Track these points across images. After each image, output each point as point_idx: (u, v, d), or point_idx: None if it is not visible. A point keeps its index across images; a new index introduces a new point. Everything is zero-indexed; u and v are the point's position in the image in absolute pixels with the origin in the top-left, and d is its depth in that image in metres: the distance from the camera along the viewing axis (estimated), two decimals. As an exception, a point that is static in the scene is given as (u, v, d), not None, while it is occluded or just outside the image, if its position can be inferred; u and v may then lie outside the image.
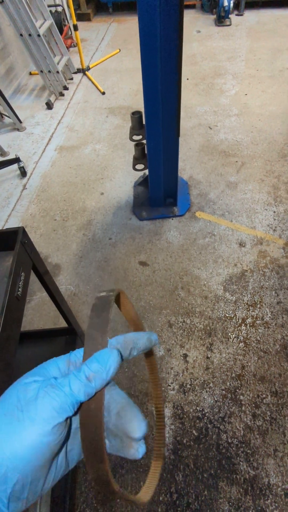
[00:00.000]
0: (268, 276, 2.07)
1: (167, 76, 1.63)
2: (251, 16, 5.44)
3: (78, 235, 2.40)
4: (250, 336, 1.82)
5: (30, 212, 2.60)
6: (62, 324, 1.71)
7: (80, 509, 1.37)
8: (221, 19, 5.20)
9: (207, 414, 1.58)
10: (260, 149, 2.96)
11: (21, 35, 3.30)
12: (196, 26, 5.32)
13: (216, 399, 1.62)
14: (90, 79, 4.18)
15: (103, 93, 3.91)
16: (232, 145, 3.03)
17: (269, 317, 1.89)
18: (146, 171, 2.37)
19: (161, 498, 1.38)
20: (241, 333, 1.84)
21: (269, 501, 1.36)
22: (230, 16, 5.26)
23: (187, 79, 4.02)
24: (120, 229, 2.41)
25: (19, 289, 0.92)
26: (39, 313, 1.99)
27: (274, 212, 2.43)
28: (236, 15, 5.50)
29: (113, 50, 4.81)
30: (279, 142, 3.02)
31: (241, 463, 1.45)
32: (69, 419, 0.28)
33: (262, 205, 2.49)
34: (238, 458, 1.46)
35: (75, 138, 3.30)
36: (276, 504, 1.35)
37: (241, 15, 5.49)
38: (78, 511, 1.37)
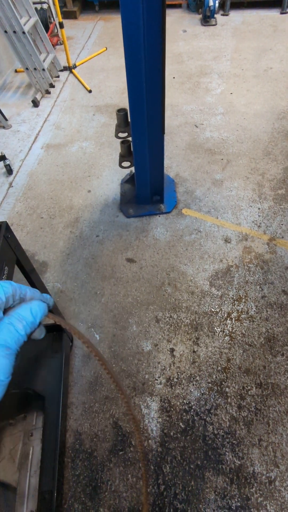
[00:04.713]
0: (253, 271, 2.11)
1: (151, 73, 1.65)
2: (237, 16, 5.51)
3: (65, 232, 2.40)
4: (236, 330, 1.85)
5: (16, 210, 2.58)
6: (49, 321, 1.70)
7: (68, 504, 1.38)
8: (207, 19, 5.24)
9: (193, 407, 1.60)
10: (245, 147, 3.01)
11: (5, 31, 3.27)
12: (182, 26, 5.35)
13: (202, 392, 1.65)
14: (76, 77, 4.17)
15: (90, 91, 3.90)
16: (218, 143, 3.07)
17: (254, 311, 1.93)
18: (133, 169, 2.39)
19: (148, 490, 1.40)
20: (227, 327, 1.87)
21: (253, 489, 1.39)
22: (215, 16, 5.31)
23: (173, 77, 4.04)
24: (107, 227, 2.42)
25: (3, 283, 0.93)
26: (26, 311, 1.98)
27: (259, 208, 2.48)
28: (222, 15, 5.55)
29: (99, 48, 4.80)
30: (263, 140, 3.07)
31: (227, 453, 1.48)
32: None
33: (247, 202, 2.54)
34: (224, 448, 1.49)
35: (61, 136, 3.29)
36: (261, 492, 1.38)
37: (227, 15, 5.55)
38: (66, 505, 1.38)
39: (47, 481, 1.33)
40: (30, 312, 0.41)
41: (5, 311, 0.42)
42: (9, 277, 0.94)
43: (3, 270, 0.90)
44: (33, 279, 1.30)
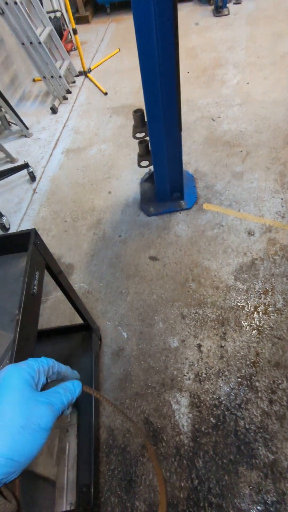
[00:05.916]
0: (279, 263, 2.07)
1: (166, 70, 1.65)
2: (249, 4, 5.36)
3: (88, 234, 2.46)
4: (263, 324, 1.83)
5: (41, 215, 2.68)
6: (78, 321, 1.76)
7: (105, 497, 1.43)
8: (219, 9, 5.14)
9: (223, 402, 1.60)
10: (264, 137, 2.94)
11: (22, 43, 3.38)
12: (194, 19, 5.29)
13: (232, 386, 1.64)
14: (92, 81, 4.23)
15: (106, 94, 3.95)
16: (236, 135, 3.02)
17: (282, 303, 1.89)
18: (151, 168, 2.40)
19: (182, 484, 1.42)
20: (254, 321, 1.85)
21: (289, 483, 1.37)
22: (228, 5, 5.20)
23: (188, 72, 4.01)
24: (129, 226, 2.45)
25: (35, 287, 0.98)
26: (55, 312, 2.06)
27: (282, 199, 2.42)
28: (234, 3, 5.42)
29: (113, 50, 4.84)
30: (283, 128, 2.99)
31: (259, 448, 1.47)
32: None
33: (270, 192, 2.48)
34: (256, 443, 1.48)
35: (80, 140, 3.36)
36: (297, 486, 1.37)
37: (239, 3, 5.41)
38: (103, 498, 1.43)
39: (84, 475, 1.39)
40: (72, 385, 0.52)
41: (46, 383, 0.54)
42: (40, 282, 0.99)
43: (34, 275, 0.95)
44: (61, 281, 1.34)
